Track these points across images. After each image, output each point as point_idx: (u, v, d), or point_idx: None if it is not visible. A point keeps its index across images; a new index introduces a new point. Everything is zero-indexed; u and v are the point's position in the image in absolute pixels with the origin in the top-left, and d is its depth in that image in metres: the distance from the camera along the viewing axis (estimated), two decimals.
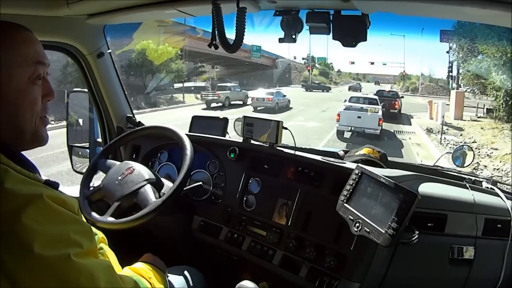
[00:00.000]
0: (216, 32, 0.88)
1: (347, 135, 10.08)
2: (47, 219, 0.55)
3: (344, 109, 10.45)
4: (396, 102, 14.31)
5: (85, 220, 0.64)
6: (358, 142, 8.95)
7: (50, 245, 0.54)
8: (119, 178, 1.18)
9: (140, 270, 0.88)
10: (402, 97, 16.85)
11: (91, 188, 1.26)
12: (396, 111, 13.99)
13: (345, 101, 12.50)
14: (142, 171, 1.19)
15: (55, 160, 5.64)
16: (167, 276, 0.99)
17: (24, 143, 0.65)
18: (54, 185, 0.62)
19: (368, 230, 0.92)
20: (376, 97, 13.46)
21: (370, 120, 10.00)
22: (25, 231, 0.53)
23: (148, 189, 1.14)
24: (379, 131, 9.94)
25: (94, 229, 0.89)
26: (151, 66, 14.89)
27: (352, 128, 9.92)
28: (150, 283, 0.84)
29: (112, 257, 0.93)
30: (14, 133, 0.62)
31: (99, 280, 0.58)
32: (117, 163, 1.27)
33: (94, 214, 1.16)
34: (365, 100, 12.46)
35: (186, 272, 1.11)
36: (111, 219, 1.12)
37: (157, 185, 1.18)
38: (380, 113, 10.63)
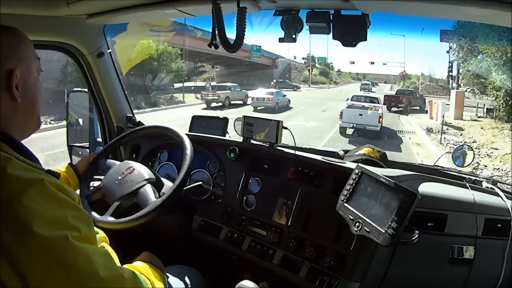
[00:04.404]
0: (217, 31, 0.88)
1: (349, 131, 10.55)
2: (46, 202, 0.57)
3: (347, 107, 10.98)
4: (404, 99, 16.43)
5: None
6: (359, 138, 9.76)
7: (48, 225, 0.55)
8: (119, 177, 1.18)
9: (139, 268, 0.88)
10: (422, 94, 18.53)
11: (91, 188, 1.26)
12: (403, 105, 16.01)
13: (347, 99, 12.92)
14: (142, 170, 1.19)
15: (55, 160, 5.64)
16: (167, 278, 0.99)
17: (31, 128, 0.71)
18: (55, 175, 0.64)
19: (368, 230, 0.92)
20: (377, 96, 14.00)
21: (370, 118, 10.51)
22: (24, 211, 0.54)
23: (148, 189, 1.14)
24: (379, 128, 10.46)
25: (96, 228, 0.89)
26: (151, 66, 14.88)
27: (354, 125, 10.39)
28: (149, 279, 0.84)
29: (113, 256, 0.93)
30: (27, 119, 0.69)
31: (97, 264, 0.58)
32: (117, 162, 1.27)
33: (94, 213, 1.16)
34: (366, 98, 13.04)
35: (184, 272, 1.10)
36: (111, 218, 1.12)
37: (157, 185, 1.18)
38: (380, 111, 11.09)
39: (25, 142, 0.68)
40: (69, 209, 0.59)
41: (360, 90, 25.00)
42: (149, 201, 1.11)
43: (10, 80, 0.64)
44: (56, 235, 0.55)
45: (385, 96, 16.83)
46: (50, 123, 8.69)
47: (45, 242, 0.54)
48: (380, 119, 10.56)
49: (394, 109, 15.83)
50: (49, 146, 6.38)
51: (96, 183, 1.28)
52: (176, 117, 10.54)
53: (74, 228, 0.58)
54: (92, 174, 1.29)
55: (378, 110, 11.06)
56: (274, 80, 25.38)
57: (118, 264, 0.89)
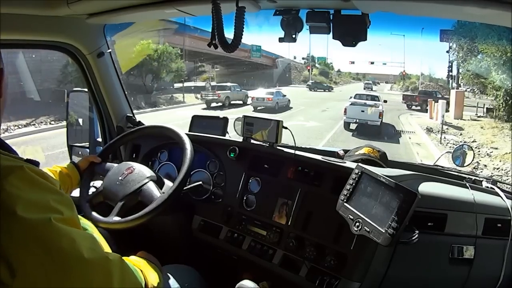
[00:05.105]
0: (216, 31, 0.88)
1: (352, 126, 11.67)
2: (28, 186, 0.57)
3: (350, 105, 12.08)
4: (417, 98, 17.52)
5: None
6: (362, 132, 10.84)
7: (31, 209, 0.55)
8: (120, 178, 1.18)
9: (132, 260, 0.88)
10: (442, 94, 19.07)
11: (91, 193, 1.25)
12: (417, 103, 17.19)
13: (351, 97, 13.65)
14: (142, 169, 1.20)
15: (55, 160, 5.63)
16: (168, 279, 0.99)
17: None
18: (34, 163, 0.64)
19: (368, 230, 0.92)
20: (378, 94, 14.72)
21: (372, 114, 11.70)
22: (7, 197, 0.54)
23: (151, 186, 1.15)
24: (379, 123, 11.64)
25: (86, 227, 0.89)
26: (151, 66, 14.87)
27: (357, 120, 11.58)
28: (141, 270, 0.84)
29: (104, 246, 0.93)
30: None
31: (81, 246, 0.58)
32: (115, 165, 1.27)
33: (99, 216, 1.15)
34: (367, 96, 13.89)
35: (183, 272, 1.10)
36: (117, 218, 1.11)
37: (159, 183, 1.19)
38: (380, 108, 12.06)
39: (25, 142, 0.68)
40: (50, 193, 0.60)
41: (364, 89, 25.71)
42: (154, 197, 1.11)
43: (1, 78, 0.67)
44: (39, 218, 0.56)
45: (403, 95, 18.73)
46: (50, 123, 8.68)
47: (28, 225, 0.54)
48: (380, 115, 11.64)
49: (413, 107, 16.73)
50: (50, 146, 6.38)
51: (97, 185, 1.28)
52: (176, 117, 10.54)
53: (56, 211, 0.58)
54: (91, 178, 1.29)
55: (378, 107, 12.03)
56: (312, 81, 26.42)
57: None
